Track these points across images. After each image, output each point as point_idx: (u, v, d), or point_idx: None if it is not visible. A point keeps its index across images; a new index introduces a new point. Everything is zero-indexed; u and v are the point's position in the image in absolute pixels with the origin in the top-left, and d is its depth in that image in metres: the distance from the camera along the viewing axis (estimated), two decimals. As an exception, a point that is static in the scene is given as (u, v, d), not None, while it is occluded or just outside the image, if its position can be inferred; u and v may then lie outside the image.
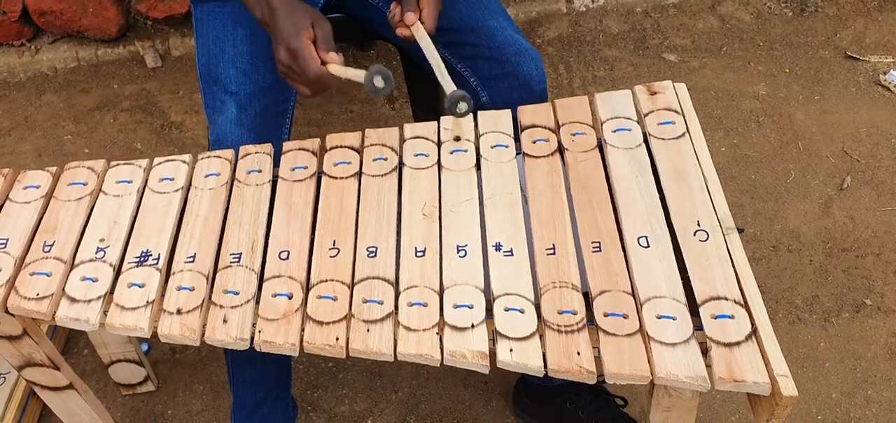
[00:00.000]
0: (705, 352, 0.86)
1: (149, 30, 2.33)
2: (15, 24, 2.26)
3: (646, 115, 1.11)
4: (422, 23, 1.10)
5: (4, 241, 1.04)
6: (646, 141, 1.08)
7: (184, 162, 1.12)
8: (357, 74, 1.04)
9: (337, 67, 1.06)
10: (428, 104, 1.56)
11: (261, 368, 1.34)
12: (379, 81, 1.01)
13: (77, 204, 1.08)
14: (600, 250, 0.96)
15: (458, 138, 1.10)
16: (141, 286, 0.98)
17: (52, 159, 2.06)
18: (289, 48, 1.04)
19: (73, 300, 0.97)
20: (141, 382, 1.59)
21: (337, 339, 0.91)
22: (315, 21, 1.06)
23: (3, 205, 1.09)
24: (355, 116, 2.13)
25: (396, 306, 0.93)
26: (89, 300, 0.97)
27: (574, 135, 1.09)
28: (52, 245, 1.03)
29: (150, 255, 1.01)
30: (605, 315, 0.90)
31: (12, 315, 1.03)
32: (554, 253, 0.96)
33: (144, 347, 1.64)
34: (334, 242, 1.00)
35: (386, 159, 1.09)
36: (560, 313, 0.90)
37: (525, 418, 1.52)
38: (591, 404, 1.44)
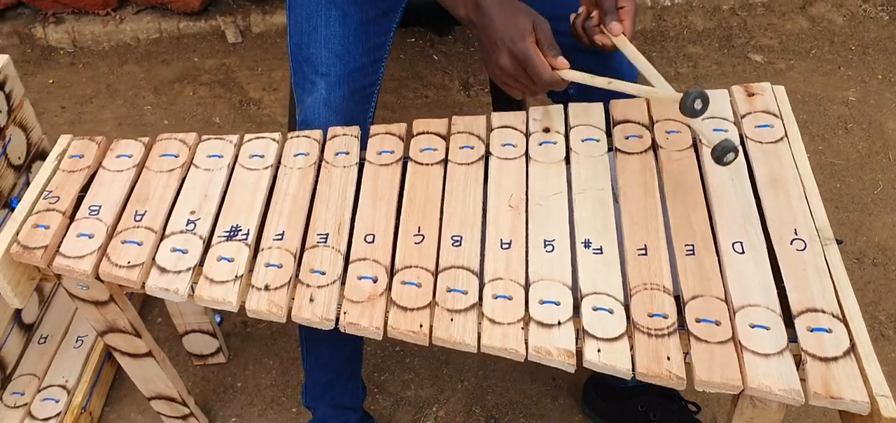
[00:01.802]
0: (798, 365, 0.83)
1: (231, 5, 2.36)
2: (102, -7, 2.31)
3: (743, 116, 1.07)
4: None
5: (97, 208, 1.06)
6: (742, 143, 1.05)
7: (274, 140, 1.13)
8: (602, 82, 0.99)
9: (573, 73, 1.00)
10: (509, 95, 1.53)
11: (334, 348, 1.35)
12: (699, 104, 0.91)
13: (169, 175, 1.10)
14: (694, 254, 0.93)
15: (547, 130, 1.08)
16: (230, 261, 0.99)
17: (131, 128, 2.10)
18: (515, 54, 0.98)
19: (163, 270, 0.99)
20: (213, 353, 1.63)
21: (421, 326, 0.91)
22: (535, 20, 0.99)
23: (96, 172, 1.11)
24: (430, 102, 2.13)
25: (480, 298, 0.92)
26: (179, 271, 0.98)
27: (668, 133, 1.06)
28: (143, 215, 1.05)
29: (240, 230, 1.02)
30: (697, 321, 0.87)
31: (101, 281, 1.05)
32: (646, 254, 0.94)
33: (217, 318, 1.67)
34: (419, 228, 1.00)
35: (472, 148, 1.08)
36: (650, 315, 0.88)
37: (593, 417, 1.50)
38: (663, 407, 1.41)
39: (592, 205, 0.99)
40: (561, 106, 1.10)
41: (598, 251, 0.94)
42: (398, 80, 2.17)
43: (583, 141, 1.07)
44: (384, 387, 1.59)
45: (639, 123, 1.08)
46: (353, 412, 1.42)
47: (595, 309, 0.89)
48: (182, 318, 1.54)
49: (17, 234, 1.03)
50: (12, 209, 1.41)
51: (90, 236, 1.02)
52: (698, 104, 0.90)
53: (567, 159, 1.05)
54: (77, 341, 1.57)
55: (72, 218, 1.05)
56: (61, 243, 1.02)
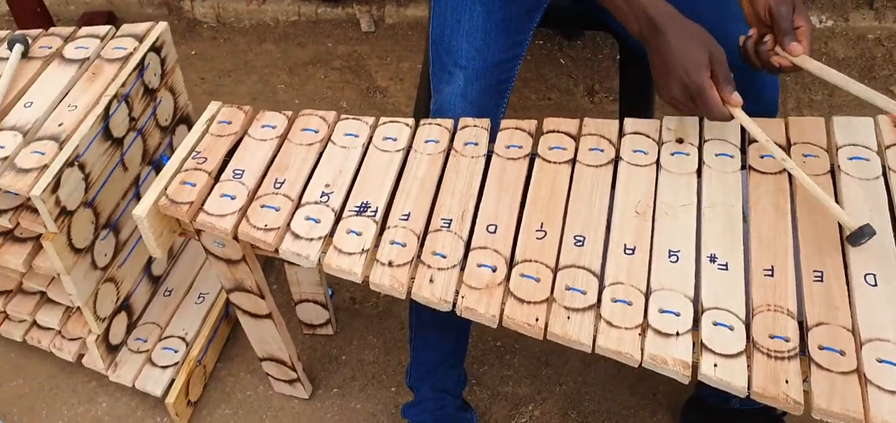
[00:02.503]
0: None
1: (368, -6, 2.45)
2: (248, -26, 2.44)
3: (887, 147, 1.03)
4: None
5: (241, 172, 1.13)
6: (884, 174, 1.01)
7: (407, 125, 1.17)
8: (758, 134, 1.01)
9: (746, 119, 1.00)
10: (638, 102, 1.53)
11: (442, 333, 1.38)
12: (864, 240, 0.93)
13: (308, 149, 1.16)
14: (822, 280, 0.91)
15: (680, 140, 1.08)
16: (358, 234, 1.03)
17: (264, 105, 2.20)
18: (688, 86, 0.98)
19: (296, 236, 1.05)
20: (322, 324, 1.69)
21: (536, 320, 0.92)
22: (712, 50, 0.98)
23: (241, 139, 1.19)
24: (552, 104, 2.13)
25: (599, 299, 0.93)
26: (311, 239, 1.04)
27: (805, 156, 1.04)
28: (282, 183, 1.11)
29: (369, 206, 1.06)
30: (820, 348, 0.85)
31: (237, 241, 1.12)
32: (772, 275, 0.92)
33: (329, 292, 1.74)
34: (542, 224, 1.01)
35: (602, 151, 1.09)
36: (771, 337, 0.87)
37: (692, 437, 1.47)
38: (767, 434, 1.37)
39: (721, 220, 0.98)
40: (696, 118, 1.09)
41: (723, 267, 0.93)
42: (522, 80, 2.18)
43: (716, 155, 1.05)
44: (482, 380, 1.61)
45: (775, 144, 1.05)
46: (452, 397, 1.45)
47: (715, 324, 0.88)
48: (299, 287, 1.60)
49: (166, 188, 1.11)
50: (155, 168, 1.52)
51: (232, 198, 1.09)
52: (865, 240, 0.93)
53: (698, 172, 1.05)
54: (199, 298, 1.67)
55: (216, 179, 1.13)
56: (205, 201, 1.10)
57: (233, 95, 2.27)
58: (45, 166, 1.22)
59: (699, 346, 0.87)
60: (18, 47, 1.41)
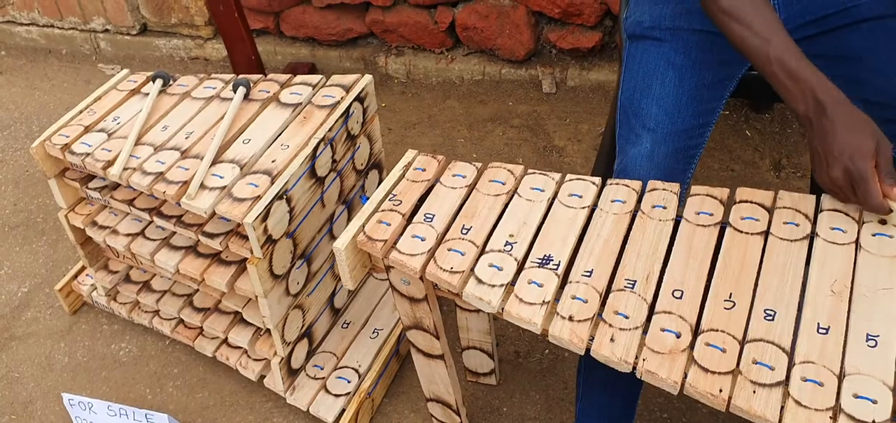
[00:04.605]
0: None
1: (552, 58, 2.51)
2: (441, 33, 2.58)
3: None
4: None
5: (432, 216, 1.20)
6: None
7: (593, 183, 1.19)
8: None
9: None
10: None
11: (609, 397, 1.37)
12: None
13: (494, 199, 1.21)
14: None
15: (883, 222, 1.02)
16: (540, 286, 1.06)
17: (445, 157, 2.30)
18: (851, 171, 0.99)
19: (479, 281, 1.09)
20: (487, 373, 1.71)
21: (720, 390, 0.90)
22: (879, 141, 0.99)
23: (433, 185, 1.26)
24: (736, 176, 2.07)
25: (788, 377, 0.90)
26: (493, 285, 1.07)
27: None
28: (469, 229, 1.16)
29: (552, 259, 1.09)
30: None
31: (422, 281, 1.17)
32: (983, 371, 0.85)
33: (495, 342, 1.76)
34: (730, 294, 0.99)
35: (798, 225, 1.05)
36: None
37: None
38: None
39: (927, 308, 0.92)
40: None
41: (929, 358, 0.87)
42: (705, 149, 2.14)
43: (923, 240, 1.00)
44: (647, 450, 1.57)
45: None
46: (616, 463, 1.43)
47: (919, 417, 0.83)
48: (468, 333, 1.64)
49: (364, 225, 1.20)
50: (348, 208, 1.64)
51: (422, 239, 1.16)
52: None
53: (903, 256, 0.99)
54: (374, 333, 1.75)
55: (409, 220, 1.20)
56: (398, 240, 1.17)
57: (416, 146, 2.38)
58: (258, 198, 1.35)
59: (898, 438, 0.82)
60: (242, 89, 1.58)
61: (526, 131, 2.36)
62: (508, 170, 1.25)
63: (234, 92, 1.58)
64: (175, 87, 1.70)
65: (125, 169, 1.47)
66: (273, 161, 1.43)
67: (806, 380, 0.89)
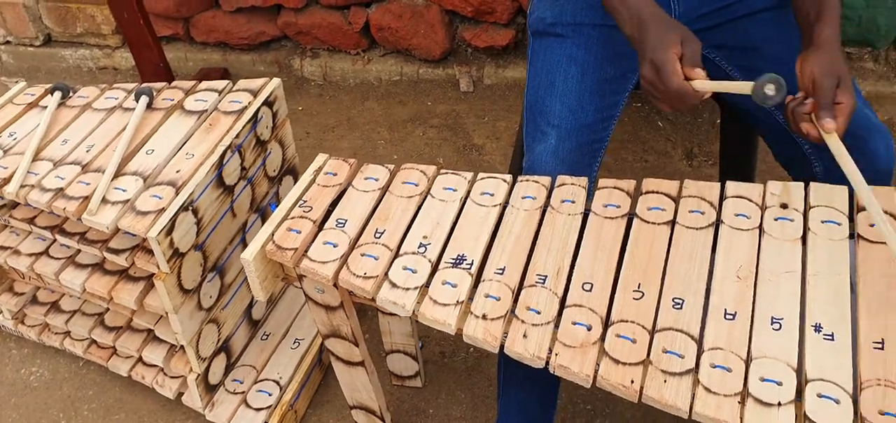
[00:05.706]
0: None
1: (468, 56, 2.51)
2: (356, 35, 2.55)
3: None
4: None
5: (344, 221, 1.17)
6: None
7: (504, 181, 1.19)
8: (733, 86, 1.03)
9: (702, 82, 1.03)
10: (740, 166, 1.50)
11: (529, 393, 1.37)
12: (770, 89, 0.96)
13: (408, 201, 1.19)
14: (939, 358, 0.86)
15: (784, 206, 1.05)
16: (454, 286, 1.05)
17: (364, 159, 2.25)
18: (653, 61, 1.04)
19: (393, 285, 1.07)
20: (411, 376, 1.70)
21: (632, 382, 0.91)
22: (685, 38, 1.05)
23: (345, 190, 1.23)
24: (649, 167, 2.12)
25: (697, 364, 0.91)
26: (407, 288, 1.06)
27: (921, 226, 0.99)
28: (382, 233, 1.14)
29: (465, 259, 1.08)
30: (937, 429, 0.81)
31: (336, 288, 1.15)
32: (882, 348, 0.88)
33: (419, 344, 1.75)
34: (639, 284, 1.00)
35: (703, 213, 1.07)
36: (882, 413, 0.83)
37: None
38: None
39: (827, 289, 0.95)
40: (801, 184, 1.06)
41: (830, 337, 0.90)
42: (618, 142, 2.18)
43: (822, 222, 1.02)
44: (572, 444, 1.58)
45: (888, 213, 1.01)
46: (540, 459, 1.43)
47: (820, 396, 0.85)
48: (390, 337, 1.62)
49: (273, 234, 1.16)
50: (261, 216, 1.59)
51: (335, 246, 1.13)
52: (771, 89, 0.94)
53: (803, 239, 1.02)
54: (295, 343, 1.72)
55: (320, 227, 1.17)
56: (309, 247, 1.14)
57: (335, 150, 2.35)
58: (162, 210, 1.30)
59: (801, 418, 0.84)
60: (144, 99, 1.51)
61: (446, 131, 2.36)
62: (421, 171, 1.23)
63: (137, 101, 1.52)
64: (75, 98, 1.62)
65: (22, 186, 1.40)
66: (177, 171, 1.37)
67: (715, 366, 0.90)
